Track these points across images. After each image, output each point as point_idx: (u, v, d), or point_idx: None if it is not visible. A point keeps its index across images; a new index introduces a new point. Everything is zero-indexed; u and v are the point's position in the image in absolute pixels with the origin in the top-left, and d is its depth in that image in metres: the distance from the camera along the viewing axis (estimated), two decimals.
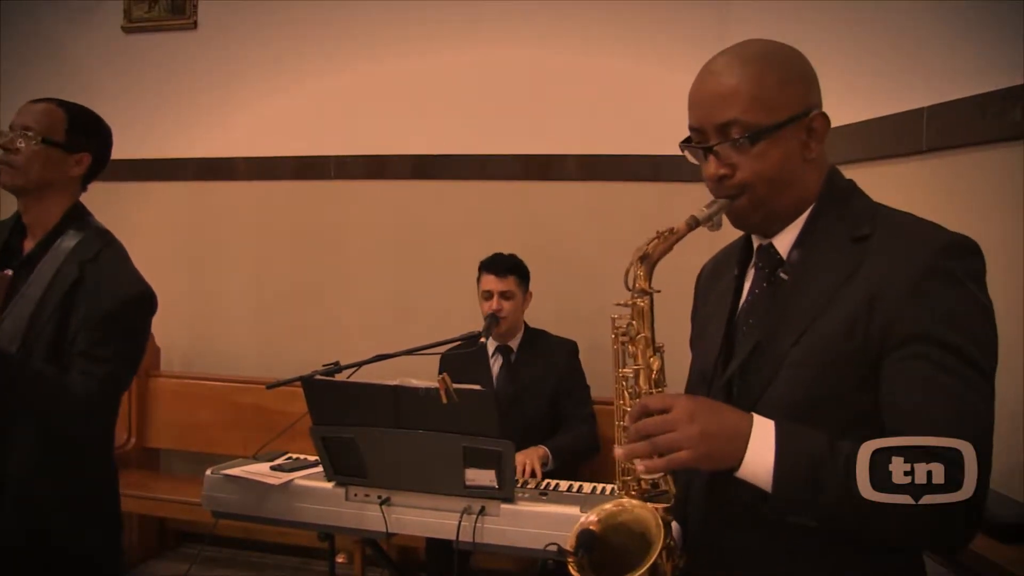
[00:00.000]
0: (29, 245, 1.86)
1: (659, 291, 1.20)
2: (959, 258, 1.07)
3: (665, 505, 1.18)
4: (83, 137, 1.89)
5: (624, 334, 1.21)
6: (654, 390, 1.18)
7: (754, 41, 1.21)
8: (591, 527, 1.19)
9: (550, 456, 2.82)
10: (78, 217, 1.88)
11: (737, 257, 1.29)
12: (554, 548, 1.20)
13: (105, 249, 1.85)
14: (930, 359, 1.03)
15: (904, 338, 1.05)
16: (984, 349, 1.05)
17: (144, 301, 1.86)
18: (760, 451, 1.05)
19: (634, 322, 1.20)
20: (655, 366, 1.19)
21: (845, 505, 1.02)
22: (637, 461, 1.09)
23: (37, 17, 4.18)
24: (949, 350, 1.03)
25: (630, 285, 1.19)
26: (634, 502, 1.20)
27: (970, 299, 1.06)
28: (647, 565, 1.12)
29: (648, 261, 1.18)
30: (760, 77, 1.14)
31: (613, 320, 1.22)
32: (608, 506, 1.22)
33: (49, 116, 1.86)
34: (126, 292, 1.82)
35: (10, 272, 1.78)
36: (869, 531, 1.05)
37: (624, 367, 1.21)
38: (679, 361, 1.38)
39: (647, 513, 1.17)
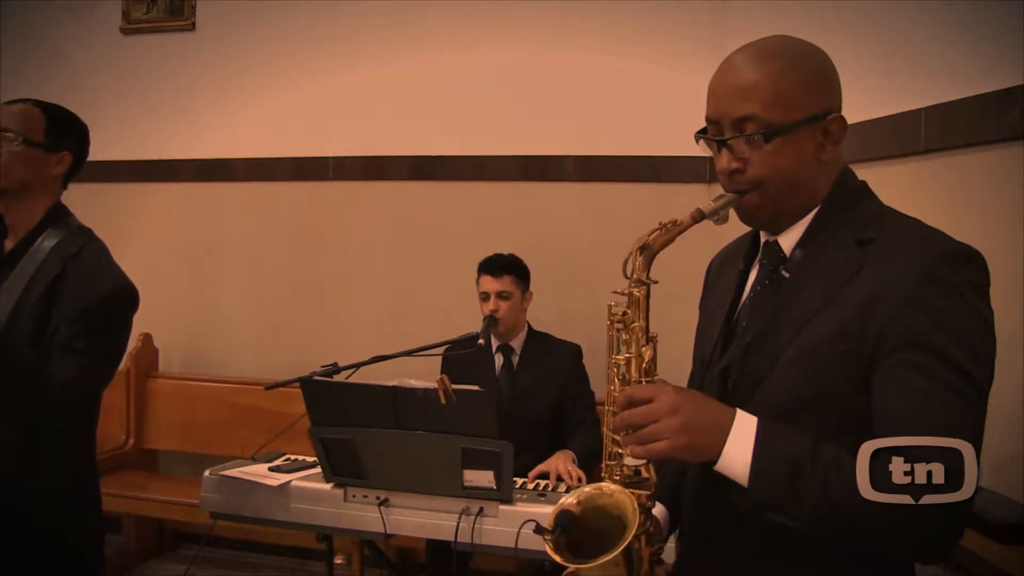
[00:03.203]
0: (10, 244, 1.87)
1: (656, 282, 1.20)
2: (958, 267, 1.06)
3: (646, 492, 1.20)
4: (62, 136, 1.90)
5: (619, 321, 1.21)
6: (643, 379, 1.19)
7: (779, 37, 1.20)
8: (570, 508, 1.21)
9: (576, 460, 2.82)
10: (59, 216, 1.90)
11: (744, 251, 1.29)
12: (532, 525, 1.21)
13: (87, 246, 1.87)
14: (921, 367, 1.02)
15: (896, 344, 1.04)
16: (977, 360, 1.04)
17: (125, 296, 1.87)
18: (739, 446, 1.07)
19: (629, 311, 1.21)
20: (647, 355, 1.19)
21: (822, 508, 1.03)
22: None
23: (36, 18, 4.18)
24: (940, 359, 1.02)
25: (628, 274, 1.20)
26: (614, 487, 1.21)
27: (966, 309, 1.04)
28: (619, 548, 1.14)
29: (648, 252, 1.18)
30: (781, 75, 1.13)
31: (610, 307, 1.23)
32: (588, 489, 1.24)
33: (28, 117, 1.86)
34: (107, 287, 1.82)
35: None
36: (852, 535, 1.05)
37: (618, 354, 1.22)
38: (676, 351, 1.38)
39: (625, 498, 1.19)
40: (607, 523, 1.19)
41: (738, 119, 1.14)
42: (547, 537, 1.19)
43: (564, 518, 1.20)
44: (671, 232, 1.17)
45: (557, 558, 1.17)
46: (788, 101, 1.13)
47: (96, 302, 1.79)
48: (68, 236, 1.86)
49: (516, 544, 2.08)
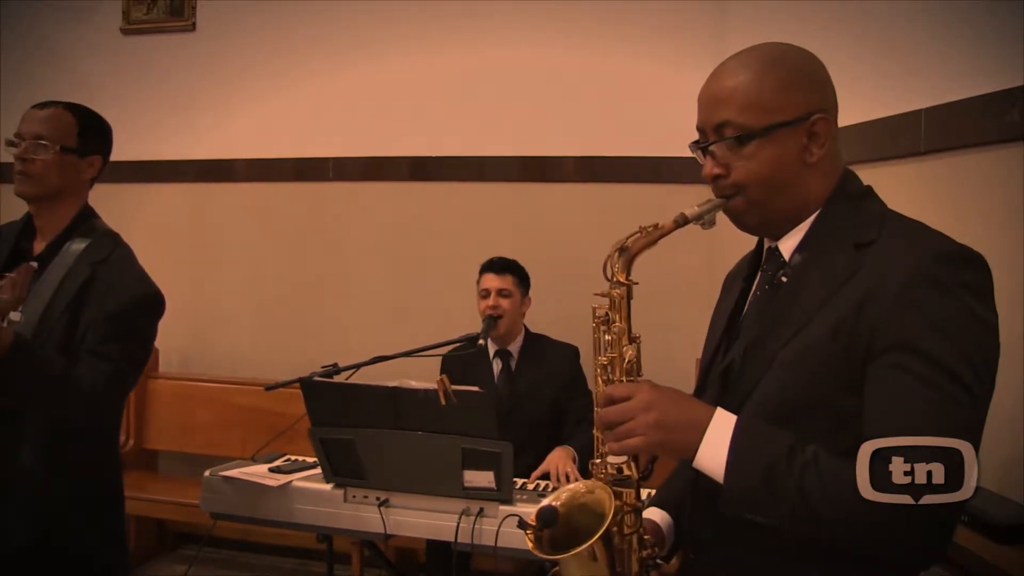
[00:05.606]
0: (39, 247, 1.87)
1: (636, 283, 1.21)
2: (953, 268, 1.05)
3: (631, 490, 1.20)
4: (93, 140, 1.91)
5: (603, 323, 1.23)
6: (625, 378, 1.20)
7: (766, 45, 1.21)
8: (555, 505, 1.23)
9: (576, 457, 2.82)
10: (87, 219, 1.91)
11: (750, 260, 1.31)
12: (515, 521, 1.22)
13: (116, 251, 1.88)
14: (910, 370, 1.01)
15: (887, 345, 1.03)
16: (971, 363, 1.02)
17: (152, 302, 1.88)
18: (715, 445, 1.07)
19: (610, 312, 1.22)
20: (628, 355, 1.20)
21: (799, 508, 1.02)
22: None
23: (36, 18, 4.18)
24: (931, 362, 1.00)
25: (608, 276, 1.21)
26: (595, 483, 1.23)
27: (961, 310, 1.03)
28: (592, 540, 1.15)
29: (627, 254, 1.20)
30: (758, 80, 1.15)
31: (594, 309, 1.24)
32: (571, 487, 1.27)
33: (61, 122, 1.86)
34: (135, 293, 1.84)
35: (35, 264, 1.80)
36: (834, 535, 1.03)
37: (602, 355, 1.23)
38: (666, 353, 1.38)
39: (604, 494, 1.20)
40: (589, 520, 1.20)
41: (717, 125, 1.17)
42: (528, 532, 1.21)
43: (546, 514, 1.22)
44: (651, 236, 1.19)
45: (536, 552, 1.19)
46: (764, 104, 1.14)
47: (124, 308, 1.80)
48: (96, 241, 1.87)
49: (515, 545, 2.07)
